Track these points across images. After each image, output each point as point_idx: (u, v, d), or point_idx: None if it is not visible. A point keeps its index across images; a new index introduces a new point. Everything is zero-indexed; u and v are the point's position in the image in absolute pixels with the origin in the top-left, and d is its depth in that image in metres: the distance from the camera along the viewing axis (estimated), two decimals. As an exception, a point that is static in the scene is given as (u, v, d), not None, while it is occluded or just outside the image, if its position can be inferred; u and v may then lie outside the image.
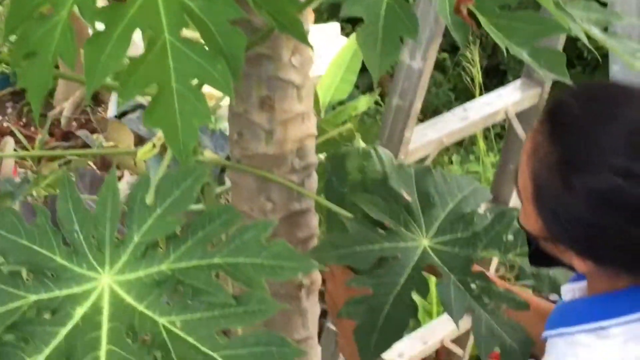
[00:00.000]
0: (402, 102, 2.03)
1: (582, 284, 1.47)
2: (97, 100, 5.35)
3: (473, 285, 1.56)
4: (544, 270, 1.62)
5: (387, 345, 1.53)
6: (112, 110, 4.46)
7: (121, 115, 4.54)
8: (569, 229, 1.29)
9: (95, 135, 4.59)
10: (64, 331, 1.28)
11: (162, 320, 1.26)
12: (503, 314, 1.55)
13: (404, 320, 1.54)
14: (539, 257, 1.41)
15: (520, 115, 2.42)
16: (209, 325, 1.24)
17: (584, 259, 1.33)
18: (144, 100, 4.47)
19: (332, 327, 2.43)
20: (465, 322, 2.91)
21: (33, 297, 1.30)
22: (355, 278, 1.57)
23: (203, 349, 1.23)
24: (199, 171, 1.29)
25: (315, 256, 1.57)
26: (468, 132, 2.33)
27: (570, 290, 1.49)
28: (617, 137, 1.24)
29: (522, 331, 1.57)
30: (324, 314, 3.41)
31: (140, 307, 1.28)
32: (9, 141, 4.72)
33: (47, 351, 1.27)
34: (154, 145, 1.91)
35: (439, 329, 2.85)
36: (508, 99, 2.35)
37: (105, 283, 1.30)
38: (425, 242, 1.63)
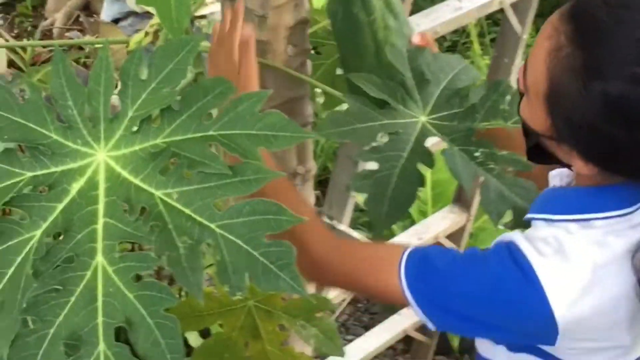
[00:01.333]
0: (397, -11, 2.01)
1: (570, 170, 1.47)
2: (89, 10, 5.30)
3: (477, 154, 1.56)
4: None
5: (397, 215, 1.55)
6: (104, 15, 4.42)
7: (113, 22, 4.50)
8: (580, 134, 1.28)
9: (87, 37, 4.55)
10: (60, 206, 1.28)
11: (158, 193, 1.26)
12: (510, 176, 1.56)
13: (412, 190, 1.56)
14: (538, 153, 1.41)
15: (515, 6, 2.40)
16: (206, 195, 1.24)
17: (587, 162, 1.33)
18: (137, 8, 4.44)
19: (327, 220, 2.44)
20: (459, 218, 2.94)
21: (29, 174, 1.30)
22: (360, 153, 1.57)
23: (200, 219, 1.23)
24: (193, 43, 1.28)
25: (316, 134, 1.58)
26: (462, 22, 2.30)
27: (558, 175, 1.50)
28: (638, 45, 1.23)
29: (535, 190, 1.57)
30: (318, 202, 3.44)
31: (136, 181, 1.28)
32: (1, 51, 4.68)
33: (44, 226, 1.27)
34: (146, 34, 1.91)
35: (434, 225, 2.88)
36: (503, -11, 2.33)
37: (101, 158, 1.30)
38: (423, 118, 1.63)
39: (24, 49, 4.84)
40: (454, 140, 1.58)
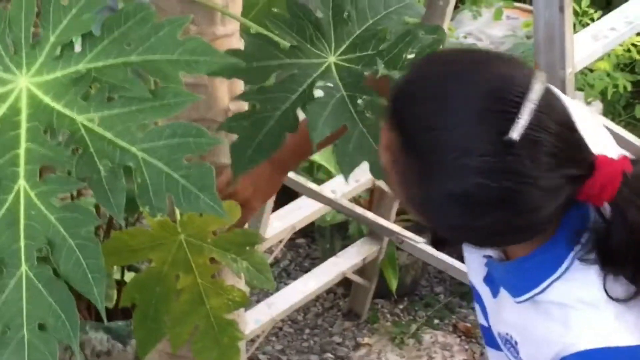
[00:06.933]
0: None
1: None
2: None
3: (359, 101, 1.53)
4: None
5: (260, 159, 1.52)
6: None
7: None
8: (455, 235, 1.27)
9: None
10: (-17, 133, 1.29)
11: (80, 118, 1.27)
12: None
13: (283, 135, 1.53)
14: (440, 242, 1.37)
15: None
16: (127, 120, 1.25)
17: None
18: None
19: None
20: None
21: (-50, 101, 1.30)
22: (244, 92, 1.55)
23: (121, 143, 1.25)
24: (113, -31, 1.28)
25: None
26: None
27: None
28: (465, 135, 1.15)
29: None
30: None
31: (58, 107, 1.29)
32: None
33: (-34, 153, 1.28)
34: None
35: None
36: None
37: (23, 84, 1.31)
38: (332, 59, 1.59)
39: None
40: (346, 85, 1.54)
